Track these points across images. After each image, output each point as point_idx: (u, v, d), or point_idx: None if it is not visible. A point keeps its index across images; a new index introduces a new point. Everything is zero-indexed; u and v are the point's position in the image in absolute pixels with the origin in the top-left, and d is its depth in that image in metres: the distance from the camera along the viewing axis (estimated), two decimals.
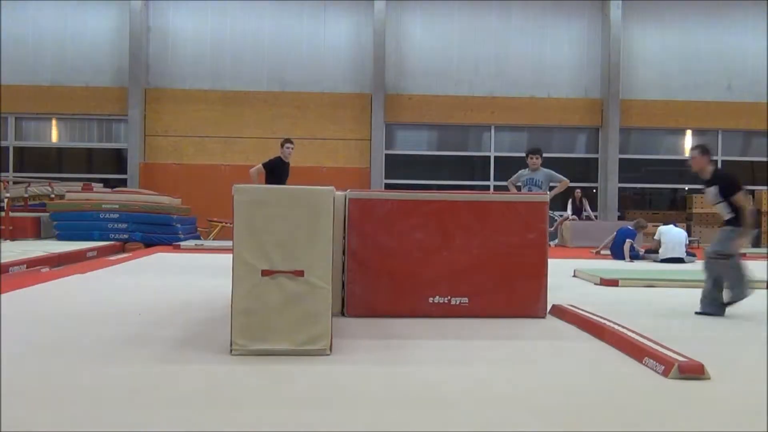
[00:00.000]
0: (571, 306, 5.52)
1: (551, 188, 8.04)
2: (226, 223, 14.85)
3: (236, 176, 15.74)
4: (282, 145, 9.25)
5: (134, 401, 3.10)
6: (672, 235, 11.28)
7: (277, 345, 3.94)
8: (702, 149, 6.02)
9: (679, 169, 19.31)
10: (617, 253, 11.88)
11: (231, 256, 4.01)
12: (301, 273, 3.96)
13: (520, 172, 8.38)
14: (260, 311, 3.94)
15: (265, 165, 9.09)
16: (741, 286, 5.83)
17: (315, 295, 3.97)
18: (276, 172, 9.04)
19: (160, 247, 12.80)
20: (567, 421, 2.91)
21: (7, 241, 12.19)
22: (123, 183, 17.64)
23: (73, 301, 6.13)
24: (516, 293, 5.47)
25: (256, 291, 3.94)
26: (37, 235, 13.88)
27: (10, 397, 3.07)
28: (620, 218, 17.98)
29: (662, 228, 11.54)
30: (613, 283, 7.74)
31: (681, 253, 11.18)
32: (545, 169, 8.16)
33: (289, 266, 3.96)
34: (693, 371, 3.56)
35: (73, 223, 13.20)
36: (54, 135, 18.48)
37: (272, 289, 3.95)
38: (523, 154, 18.91)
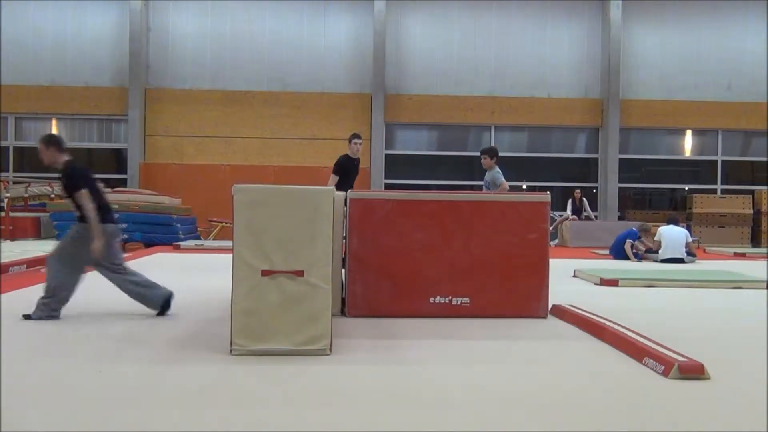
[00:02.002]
0: (572, 306, 5.52)
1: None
2: (226, 223, 14.85)
3: (236, 176, 15.83)
4: (350, 141, 8.74)
5: (134, 401, 3.10)
6: (672, 236, 11.27)
7: (277, 345, 3.94)
8: (48, 140, 5.35)
9: (679, 169, 19.32)
10: (617, 254, 11.91)
11: (231, 256, 4.01)
12: (300, 273, 3.96)
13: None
14: (260, 311, 3.94)
15: (337, 170, 8.40)
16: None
17: (315, 295, 3.97)
18: (346, 170, 8.41)
19: (160, 247, 12.80)
20: (567, 421, 2.91)
21: (7, 241, 12.19)
22: (123, 183, 17.64)
23: (73, 300, 6.12)
24: (517, 293, 5.47)
25: (256, 291, 3.94)
26: (37, 235, 13.88)
27: (10, 397, 3.07)
28: (620, 218, 17.99)
29: (663, 228, 11.53)
30: (613, 283, 7.74)
31: (681, 253, 11.17)
32: (494, 171, 8.25)
33: (288, 266, 3.96)
34: (693, 371, 3.56)
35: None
36: None
37: (272, 289, 3.95)
38: (524, 154, 18.93)
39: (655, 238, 11.62)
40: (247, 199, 4.00)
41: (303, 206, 4.01)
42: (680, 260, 11.11)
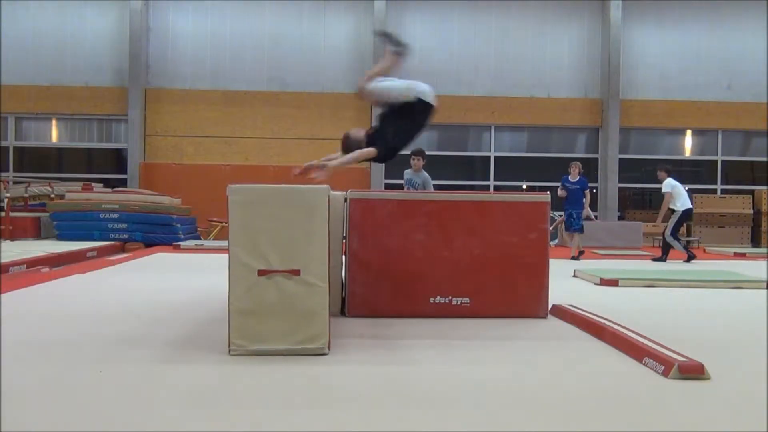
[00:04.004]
0: (572, 306, 5.52)
1: None
2: (225, 223, 14.82)
3: (236, 176, 15.84)
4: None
5: (134, 401, 3.10)
6: (681, 187, 11.42)
7: (275, 345, 3.94)
8: None
9: (679, 170, 19.31)
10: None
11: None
12: (297, 272, 3.96)
13: (405, 171, 8.58)
14: (257, 311, 3.94)
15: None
16: None
17: (312, 294, 3.97)
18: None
19: (160, 247, 12.80)
20: (567, 421, 2.91)
21: (7, 241, 12.19)
22: (123, 183, 17.64)
23: (73, 301, 6.12)
24: (517, 293, 5.47)
25: (253, 291, 3.94)
26: (37, 235, 13.88)
27: (10, 397, 3.06)
28: (620, 218, 17.99)
29: (670, 181, 11.48)
30: (613, 283, 7.74)
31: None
32: (425, 173, 8.39)
33: (285, 265, 3.96)
34: (693, 371, 3.56)
35: (73, 223, 13.19)
36: (54, 135, 18.48)
37: (269, 288, 3.95)
38: (524, 154, 18.80)
39: (666, 191, 11.47)
40: (241, 199, 3.99)
41: (298, 205, 4.01)
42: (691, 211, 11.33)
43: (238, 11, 18.13)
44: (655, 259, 11.53)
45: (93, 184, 15.94)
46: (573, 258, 11.71)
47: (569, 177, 11.99)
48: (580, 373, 3.78)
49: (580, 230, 12.02)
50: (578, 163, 12.18)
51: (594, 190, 18.70)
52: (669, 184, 11.49)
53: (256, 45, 18.08)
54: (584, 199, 12.09)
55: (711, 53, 18.58)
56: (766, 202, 17.38)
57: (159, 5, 18.12)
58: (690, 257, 11.38)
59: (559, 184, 12.02)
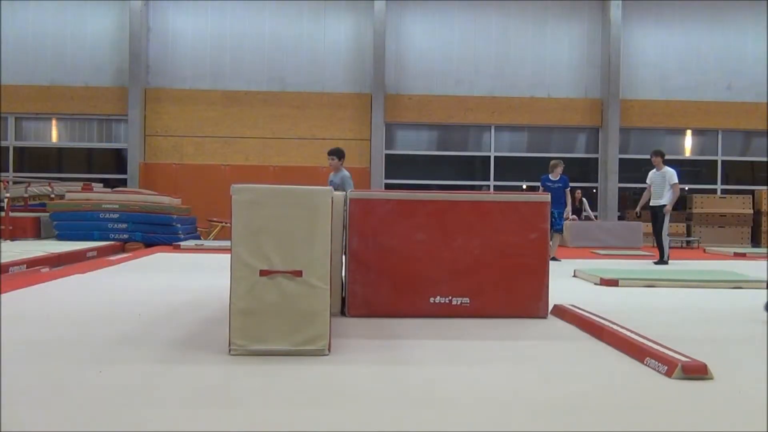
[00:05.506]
0: (573, 306, 5.52)
1: None
2: (225, 223, 14.85)
3: (236, 176, 15.83)
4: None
5: (133, 401, 3.10)
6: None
7: (275, 345, 3.93)
8: None
9: (678, 170, 19.29)
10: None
11: (230, 256, 4.00)
12: (299, 273, 3.96)
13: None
14: (259, 311, 3.93)
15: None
16: None
17: (314, 295, 3.97)
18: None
19: (160, 247, 12.80)
20: (567, 421, 2.91)
21: (7, 241, 12.18)
22: (123, 183, 17.64)
23: (73, 301, 6.12)
24: (517, 293, 5.46)
25: (255, 291, 3.94)
26: (37, 235, 13.87)
27: (10, 397, 3.06)
28: (620, 218, 17.98)
29: (674, 170, 11.31)
30: (613, 283, 7.73)
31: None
32: (345, 172, 8.26)
33: (287, 266, 3.95)
34: (697, 371, 3.55)
35: (73, 223, 13.19)
36: (54, 135, 18.48)
37: (271, 289, 3.94)
38: (524, 154, 18.72)
39: (676, 182, 11.14)
40: (245, 198, 3.99)
41: (302, 206, 4.01)
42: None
43: (238, 11, 18.14)
44: (657, 263, 11.34)
45: (93, 184, 15.94)
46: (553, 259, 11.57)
47: (550, 176, 11.76)
48: (581, 373, 3.78)
49: (560, 231, 11.87)
50: (560, 161, 12.01)
51: (594, 190, 18.70)
52: (675, 174, 11.33)
53: (256, 45, 18.08)
54: (566, 198, 11.86)
55: (711, 53, 18.59)
56: (766, 202, 17.38)
57: (159, 5, 18.12)
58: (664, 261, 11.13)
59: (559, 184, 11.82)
